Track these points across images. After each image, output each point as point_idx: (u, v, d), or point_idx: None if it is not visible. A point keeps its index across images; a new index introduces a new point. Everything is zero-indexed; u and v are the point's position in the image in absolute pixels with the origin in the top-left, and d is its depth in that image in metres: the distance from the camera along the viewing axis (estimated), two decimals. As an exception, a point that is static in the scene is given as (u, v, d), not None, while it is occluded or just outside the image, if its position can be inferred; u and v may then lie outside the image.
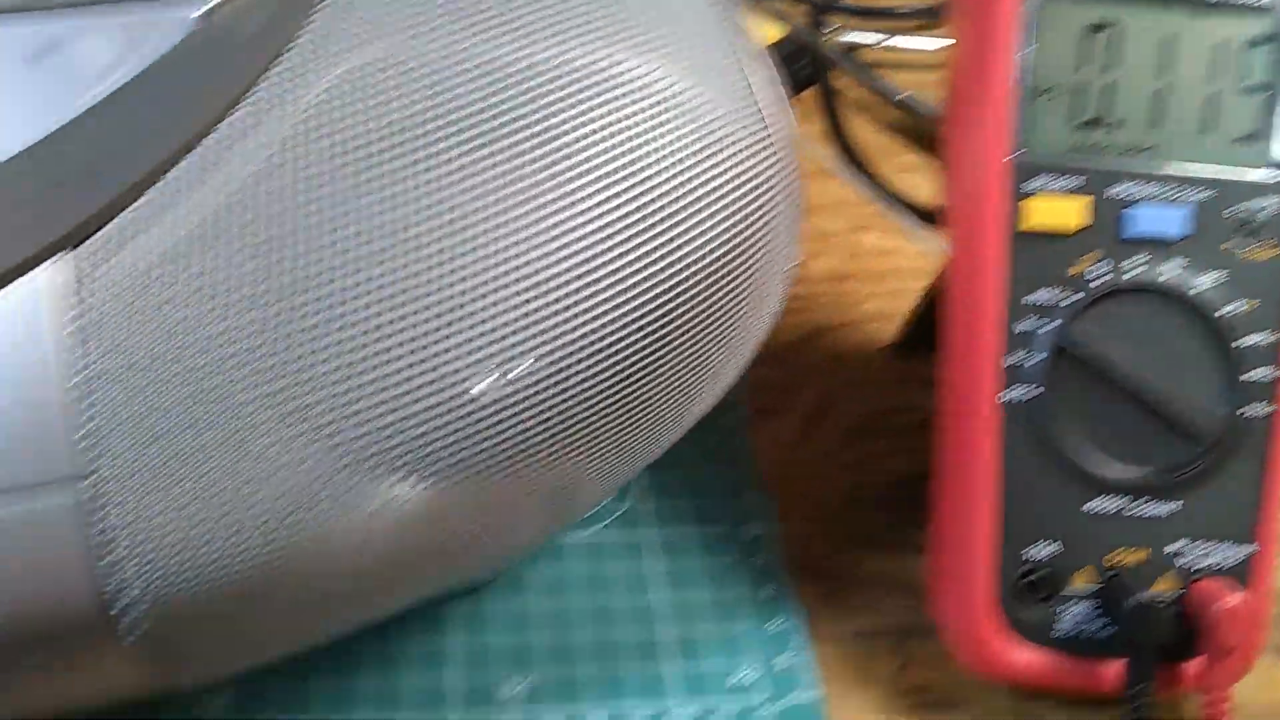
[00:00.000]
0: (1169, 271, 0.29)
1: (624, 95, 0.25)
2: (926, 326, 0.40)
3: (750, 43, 0.30)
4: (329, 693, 0.31)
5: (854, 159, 0.51)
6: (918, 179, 0.51)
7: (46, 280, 0.21)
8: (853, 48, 0.59)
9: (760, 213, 0.27)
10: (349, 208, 0.23)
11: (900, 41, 0.59)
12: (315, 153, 0.23)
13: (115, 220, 0.21)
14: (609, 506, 0.36)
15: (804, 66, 0.55)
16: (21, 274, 0.21)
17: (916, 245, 0.47)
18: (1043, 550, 0.30)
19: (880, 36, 0.59)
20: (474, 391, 0.25)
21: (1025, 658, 0.31)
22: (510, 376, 0.25)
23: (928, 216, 0.48)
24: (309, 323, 0.23)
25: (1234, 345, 0.29)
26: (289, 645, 0.28)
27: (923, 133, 0.53)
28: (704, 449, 0.37)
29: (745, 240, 0.27)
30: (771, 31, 0.55)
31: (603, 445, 0.27)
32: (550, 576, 0.34)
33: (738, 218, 0.27)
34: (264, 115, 0.22)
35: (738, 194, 0.27)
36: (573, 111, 0.24)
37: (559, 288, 0.24)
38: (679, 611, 0.33)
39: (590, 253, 0.25)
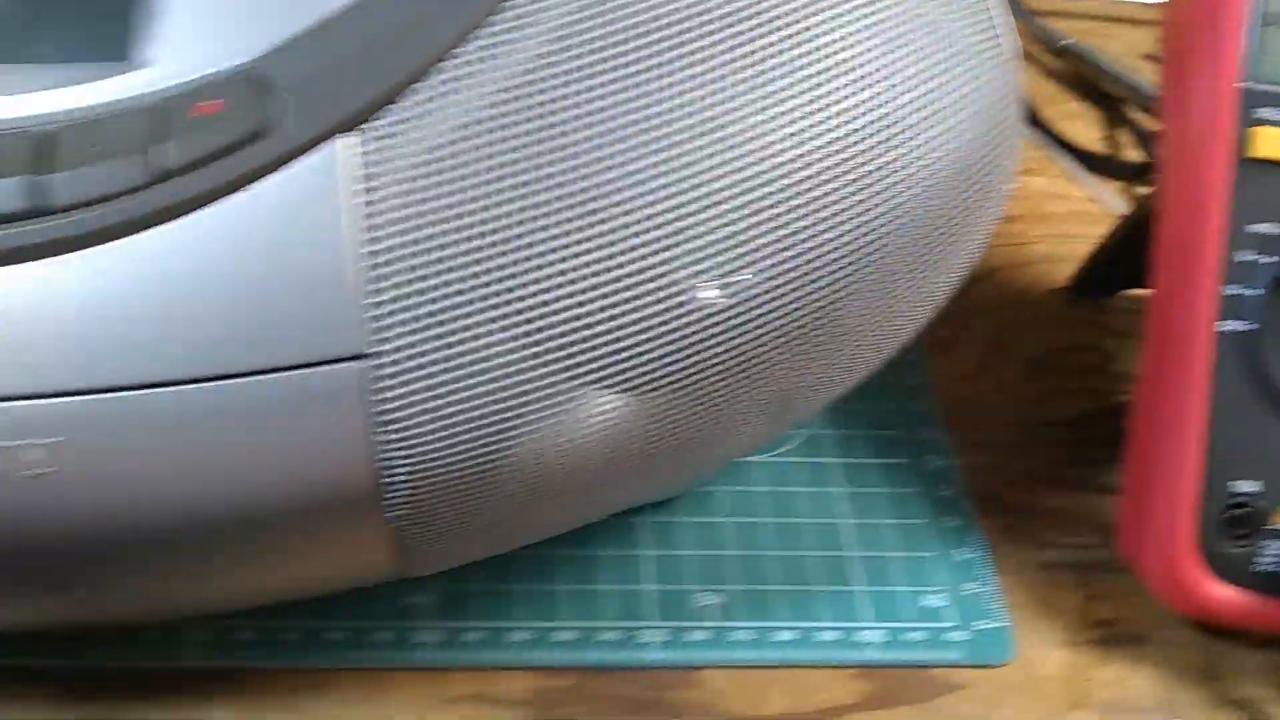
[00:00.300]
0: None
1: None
2: (1105, 271, 0.40)
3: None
4: (529, 597, 0.31)
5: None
6: (1078, 125, 0.50)
7: (339, 157, 0.21)
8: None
9: (994, 122, 0.27)
10: (609, 102, 0.23)
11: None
12: (583, 44, 0.23)
13: (404, 99, 0.22)
14: (792, 432, 0.36)
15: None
16: (315, 150, 0.21)
17: (1081, 190, 0.47)
18: (1247, 486, 0.30)
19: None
20: (699, 300, 0.25)
21: (1223, 595, 0.30)
22: (737, 286, 0.25)
23: (1091, 162, 0.48)
24: (563, 216, 0.23)
25: None
26: (505, 543, 0.29)
27: (1084, 80, 0.52)
28: (884, 379, 0.37)
29: (981, 149, 0.27)
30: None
31: (820, 358, 0.27)
32: (737, 495, 0.34)
33: (976, 127, 0.26)
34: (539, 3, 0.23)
35: (977, 102, 0.26)
36: (828, 14, 0.24)
37: (805, 192, 0.24)
38: (865, 535, 0.34)
39: (838, 158, 0.25)
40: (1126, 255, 0.39)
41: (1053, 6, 0.58)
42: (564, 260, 0.23)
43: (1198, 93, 0.30)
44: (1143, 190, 0.47)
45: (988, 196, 0.28)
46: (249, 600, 0.28)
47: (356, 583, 0.28)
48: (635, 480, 0.28)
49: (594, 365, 0.24)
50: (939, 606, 0.32)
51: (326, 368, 0.21)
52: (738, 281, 0.25)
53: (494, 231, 0.22)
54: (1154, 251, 0.31)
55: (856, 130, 0.25)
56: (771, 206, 0.24)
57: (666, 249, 0.24)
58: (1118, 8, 0.57)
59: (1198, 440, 0.30)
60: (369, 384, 0.22)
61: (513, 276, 0.23)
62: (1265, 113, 0.29)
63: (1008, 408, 0.38)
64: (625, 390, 0.25)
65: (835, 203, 0.25)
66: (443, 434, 0.23)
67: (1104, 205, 0.46)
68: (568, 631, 0.31)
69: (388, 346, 0.22)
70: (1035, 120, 0.49)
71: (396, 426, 0.22)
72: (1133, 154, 0.49)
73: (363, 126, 0.21)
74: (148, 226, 0.21)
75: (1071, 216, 0.45)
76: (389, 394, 0.22)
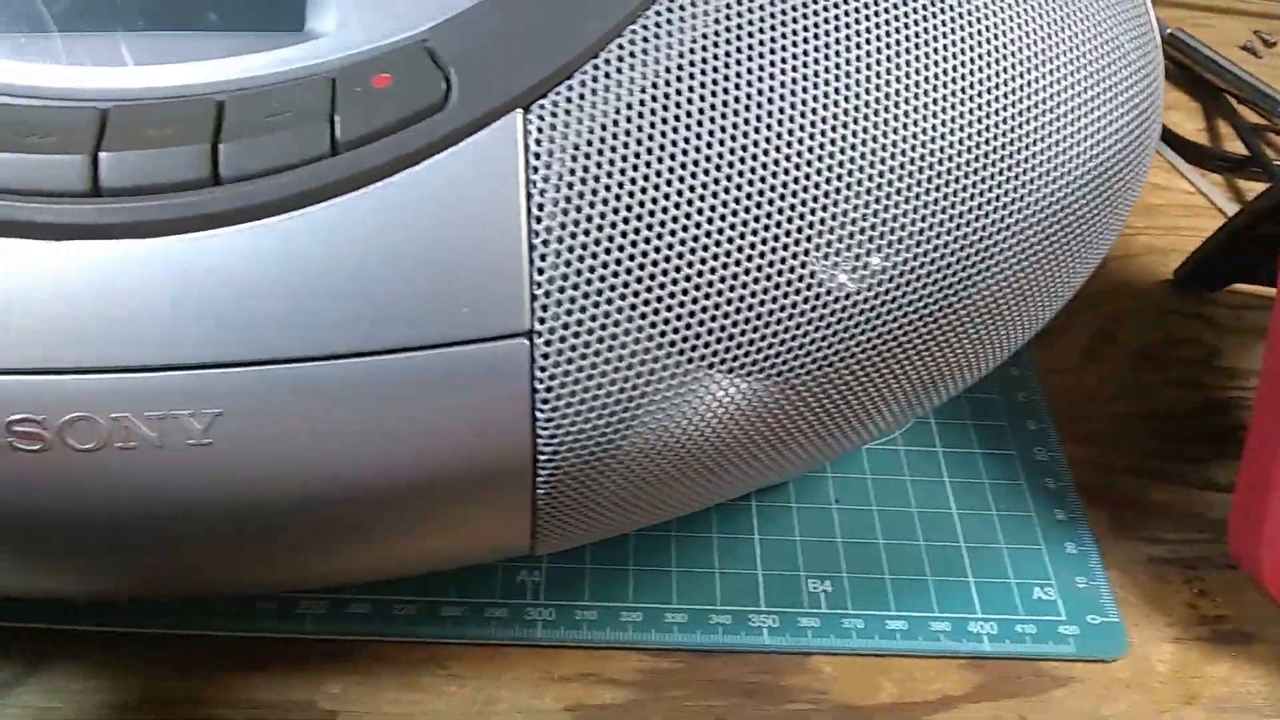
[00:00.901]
0: None
1: None
2: (1211, 265, 0.40)
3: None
4: (639, 578, 0.31)
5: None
6: (1175, 117, 0.50)
7: (508, 134, 0.21)
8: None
9: (1140, 114, 0.27)
10: (769, 85, 0.23)
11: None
12: (747, 25, 0.22)
13: (572, 77, 0.21)
14: (898, 419, 0.36)
15: None
16: (485, 127, 0.21)
17: (1186, 184, 0.46)
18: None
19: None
20: (837, 285, 0.25)
21: (1339, 596, 0.30)
22: (868, 270, 0.25)
23: (1193, 154, 0.47)
24: (717, 200, 0.23)
25: None
26: (629, 523, 0.28)
27: (1186, 70, 0.51)
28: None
29: (1127, 142, 0.26)
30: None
31: (948, 348, 0.27)
32: (845, 482, 0.34)
33: (1124, 119, 0.26)
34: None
35: (1126, 93, 0.26)
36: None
37: (949, 178, 0.24)
38: (972, 526, 0.33)
39: (984, 144, 0.24)
40: (1233, 250, 0.39)
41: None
42: (714, 243, 0.23)
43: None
44: (1243, 182, 0.46)
45: (1128, 189, 0.28)
46: (382, 573, 0.28)
47: (486, 558, 0.28)
48: (766, 464, 0.28)
49: (728, 349, 0.24)
50: (1049, 600, 0.32)
51: (492, 344, 0.21)
52: (868, 265, 0.25)
53: (653, 213, 0.22)
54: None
55: (1006, 117, 0.24)
56: (912, 191, 0.24)
57: (803, 232, 0.24)
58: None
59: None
60: (533, 361, 0.22)
61: (666, 259, 0.22)
62: None
63: (1112, 400, 0.38)
64: (757, 375, 0.25)
65: (979, 191, 0.24)
66: (595, 412, 0.23)
67: (1206, 197, 0.45)
68: (678, 613, 0.31)
69: (554, 324, 0.21)
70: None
71: (555, 404, 0.22)
72: (1234, 146, 0.48)
73: (532, 103, 0.21)
74: (322, 199, 0.20)
75: (1174, 209, 0.44)
76: (552, 371, 0.22)
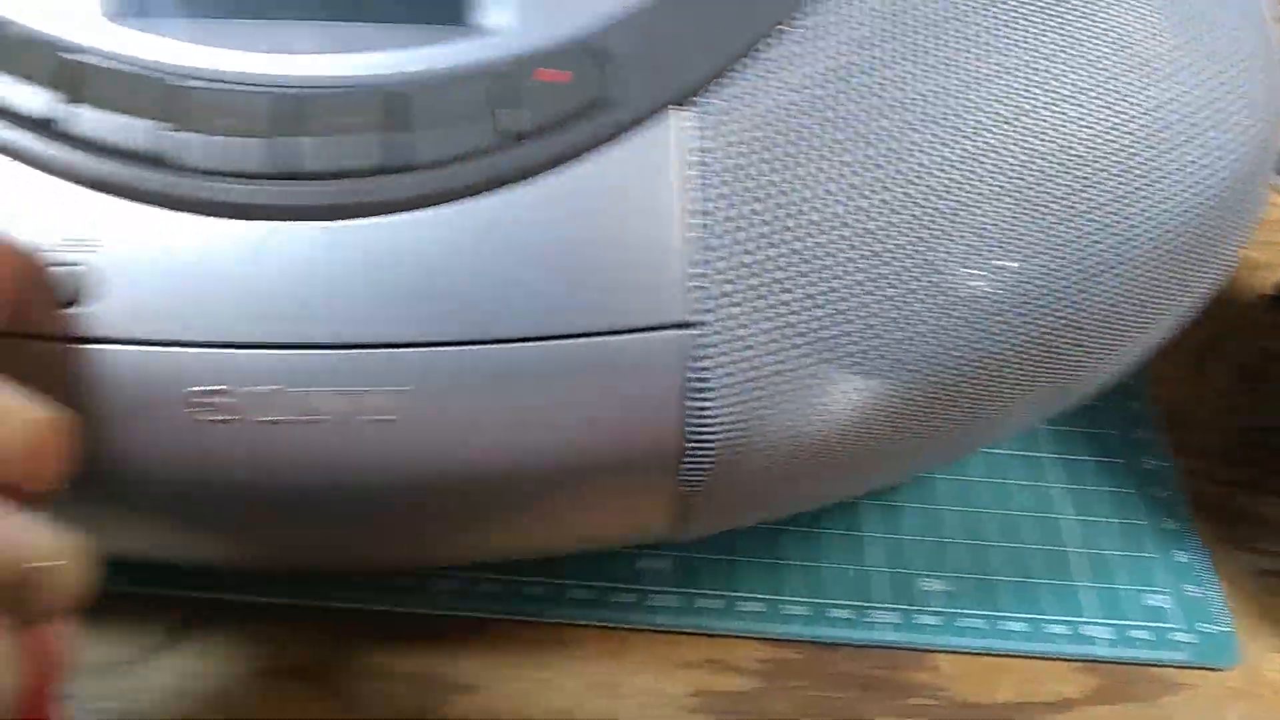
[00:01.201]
0: None
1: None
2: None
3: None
4: (759, 569, 0.32)
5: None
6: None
7: (673, 130, 0.22)
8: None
9: (1268, 125, 0.27)
10: (923, 88, 0.23)
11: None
12: (902, 28, 0.23)
13: (734, 74, 0.22)
14: (1009, 424, 0.36)
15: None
16: (650, 123, 0.22)
17: (1286, 199, 0.46)
18: None
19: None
20: (971, 288, 0.25)
21: None
22: (1002, 274, 0.25)
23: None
24: (867, 201, 0.23)
25: None
26: (761, 515, 0.29)
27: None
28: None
29: (1256, 154, 0.27)
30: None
31: (1078, 352, 0.28)
32: (957, 484, 0.35)
33: (1253, 130, 0.26)
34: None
35: (1256, 105, 0.26)
36: (1128, 6, 0.25)
37: (1089, 185, 0.25)
38: (1085, 531, 0.34)
39: (1124, 152, 0.25)
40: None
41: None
42: (864, 243, 0.23)
43: None
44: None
45: (1257, 199, 0.28)
46: (530, 551, 0.29)
47: (626, 541, 0.28)
48: (893, 463, 0.29)
49: (865, 348, 0.24)
50: (1163, 607, 0.32)
51: (652, 334, 0.22)
52: (1002, 269, 0.25)
53: (806, 211, 0.22)
54: None
55: (1145, 126, 0.25)
56: (1054, 196, 0.25)
57: (949, 235, 0.24)
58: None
59: None
60: (689, 351, 0.22)
61: (816, 257, 0.23)
62: None
63: (1220, 412, 0.38)
64: (889, 374, 0.25)
65: (1118, 198, 0.25)
66: (742, 403, 0.23)
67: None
68: (799, 606, 0.31)
69: (709, 316, 0.22)
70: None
71: (706, 394, 0.23)
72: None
73: (695, 100, 0.22)
74: (495, 188, 0.21)
75: (1273, 224, 0.44)
76: (705, 362, 0.23)
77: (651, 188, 0.22)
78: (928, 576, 0.32)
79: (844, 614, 0.31)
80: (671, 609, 0.31)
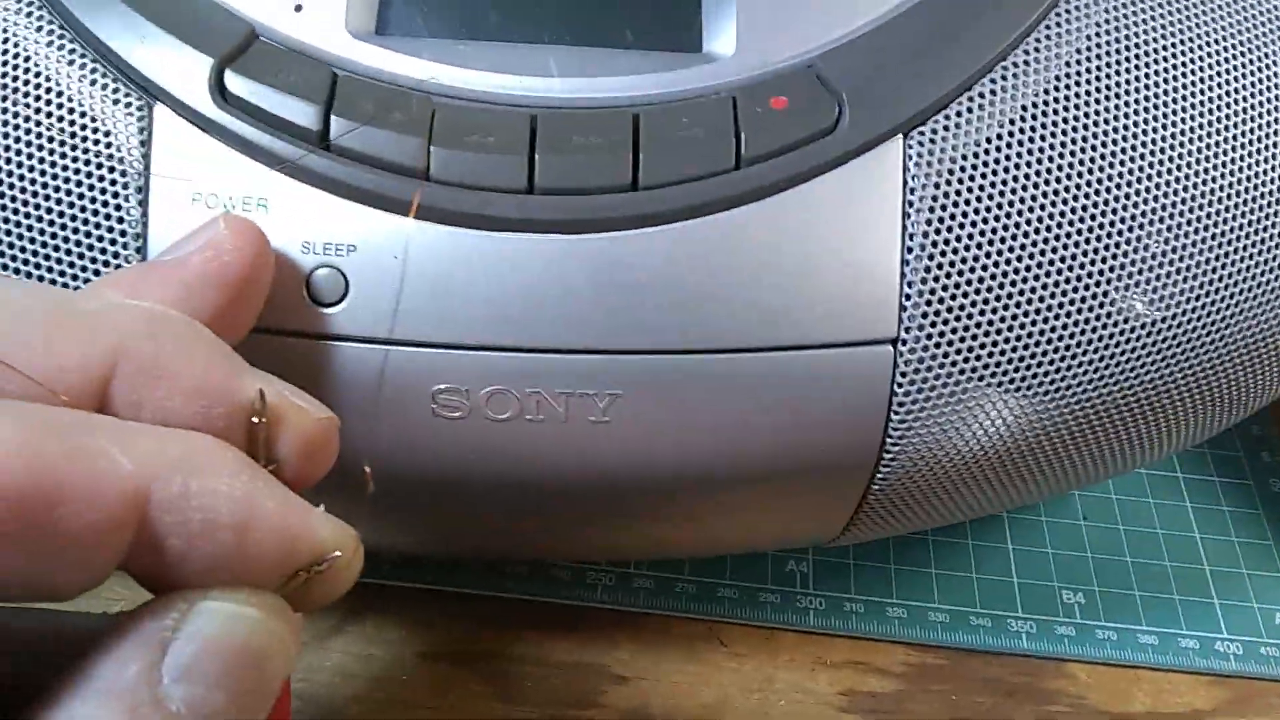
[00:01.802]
0: None
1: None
2: None
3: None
4: (901, 576, 0.33)
5: None
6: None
7: (891, 158, 0.23)
8: None
9: None
10: (1124, 122, 0.24)
11: None
12: (1106, 63, 0.24)
13: (950, 105, 0.23)
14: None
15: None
16: (871, 150, 0.23)
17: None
18: None
19: None
20: (1127, 312, 0.26)
21: None
22: (1165, 301, 0.26)
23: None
24: (1063, 229, 0.24)
25: None
26: (921, 524, 0.30)
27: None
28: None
29: None
30: None
31: (1235, 375, 0.29)
32: (1096, 500, 0.36)
33: None
34: (1062, 30, 0.24)
35: None
36: None
37: (1256, 216, 0.26)
38: (1214, 550, 0.35)
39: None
40: None
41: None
42: (1056, 269, 0.24)
43: None
44: None
45: None
46: (704, 550, 0.31)
47: (795, 544, 0.30)
48: (1053, 479, 0.30)
49: (1039, 374, 0.25)
50: (1293, 626, 0.33)
51: (864, 349, 0.23)
52: (1165, 296, 0.26)
53: (1009, 239, 0.24)
54: None
55: None
56: (1216, 224, 0.25)
57: (1121, 261, 0.25)
58: None
59: None
60: (896, 367, 0.24)
61: (1014, 283, 0.24)
62: None
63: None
64: (1057, 398, 0.26)
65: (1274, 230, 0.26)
66: (933, 418, 0.25)
67: None
68: (940, 613, 0.32)
69: (918, 334, 0.23)
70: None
71: (907, 408, 0.24)
72: None
73: (912, 130, 0.23)
74: (726, 208, 0.23)
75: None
76: (911, 376, 0.24)
77: (873, 213, 0.23)
78: (1067, 589, 0.33)
79: (984, 622, 0.32)
80: (818, 611, 0.32)
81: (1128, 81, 0.24)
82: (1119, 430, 0.28)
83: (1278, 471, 0.37)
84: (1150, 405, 0.28)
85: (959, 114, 0.24)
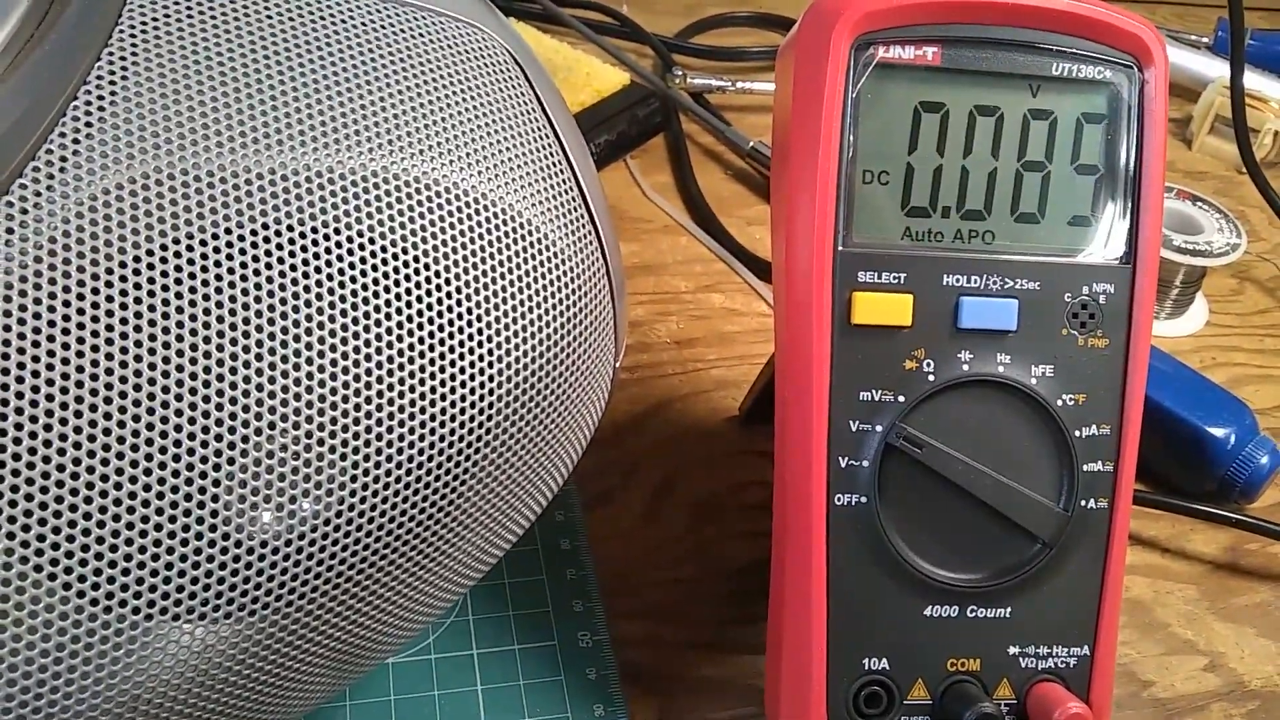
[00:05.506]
0: (1004, 363, 0.28)
1: (445, 212, 0.23)
2: (768, 399, 0.39)
3: (571, 130, 0.28)
4: None
5: (701, 213, 0.49)
6: (765, 232, 0.49)
7: None
8: (702, 92, 0.57)
9: (581, 322, 0.25)
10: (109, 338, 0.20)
11: (753, 85, 0.57)
12: (66, 278, 0.19)
13: None
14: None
15: (653, 113, 0.53)
16: None
17: (763, 305, 0.45)
18: (875, 663, 0.28)
19: (729, 81, 0.57)
20: (252, 530, 0.22)
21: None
22: (293, 513, 0.22)
23: (770, 273, 0.47)
24: (114, 433, 0.20)
25: (1074, 435, 0.28)
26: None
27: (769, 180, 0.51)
28: (542, 544, 0.34)
29: (562, 353, 0.25)
30: (618, 77, 0.53)
31: (414, 573, 0.25)
32: (368, 708, 0.31)
33: (554, 331, 0.24)
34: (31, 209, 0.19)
35: (553, 309, 0.24)
36: (383, 228, 0.22)
37: (363, 420, 0.22)
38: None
39: (389, 385, 0.22)
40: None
41: (750, 102, 0.57)
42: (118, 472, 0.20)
43: (802, 251, 0.28)
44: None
45: (570, 409, 0.26)
46: None
47: None
48: (274, 703, 0.25)
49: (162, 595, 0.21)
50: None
51: None
52: (297, 509, 0.22)
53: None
54: (777, 412, 0.29)
55: (403, 348, 0.22)
56: (328, 434, 0.22)
57: (213, 474, 0.21)
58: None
59: (819, 615, 0.28)
60: None
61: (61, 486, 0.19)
62: (865, 276, 0.27)
63: (670, 565, 0.36)
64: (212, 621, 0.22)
65: (398, 429, 0.22)
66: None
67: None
68: None
69: None
70: (715, 229, 0.48)
71: None
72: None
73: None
74: None
75: (748, 335, 0.43)
76: None
77: None
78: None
79: None
80: None
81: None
82: (309, 645, 0.24)
83: (589, 621, 0.33)
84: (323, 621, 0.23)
85: None
